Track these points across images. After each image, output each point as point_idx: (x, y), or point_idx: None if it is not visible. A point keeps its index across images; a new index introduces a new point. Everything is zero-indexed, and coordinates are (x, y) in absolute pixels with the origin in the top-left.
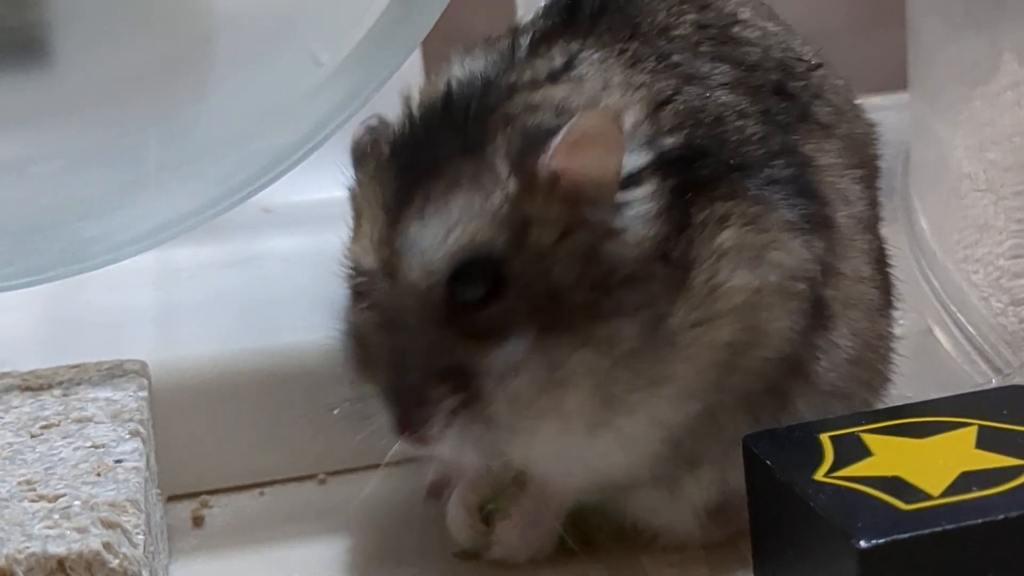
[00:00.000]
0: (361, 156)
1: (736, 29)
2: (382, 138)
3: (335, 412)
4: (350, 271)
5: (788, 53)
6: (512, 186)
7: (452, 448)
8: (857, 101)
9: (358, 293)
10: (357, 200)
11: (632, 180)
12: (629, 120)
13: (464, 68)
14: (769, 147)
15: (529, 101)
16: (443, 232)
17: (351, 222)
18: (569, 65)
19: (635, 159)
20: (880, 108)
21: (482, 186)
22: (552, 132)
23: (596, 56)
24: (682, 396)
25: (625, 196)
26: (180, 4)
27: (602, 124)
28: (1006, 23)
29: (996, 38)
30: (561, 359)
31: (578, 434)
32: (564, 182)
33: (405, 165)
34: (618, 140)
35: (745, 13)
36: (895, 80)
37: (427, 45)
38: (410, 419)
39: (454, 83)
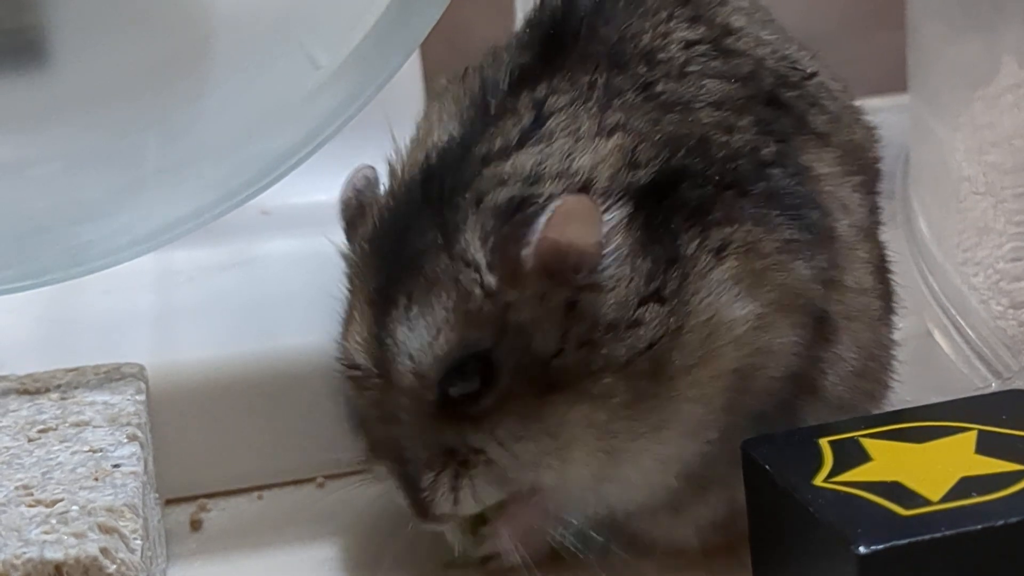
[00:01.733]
0: (350, 225)
1: (728, 41)
2: (368, 210)
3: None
4: (343, 364)
5: (783, 62)
6: (493, 279)
7: (468, 510)
8: (856, 104)
9: (353, 381)
10: (349, 279)
11: (609, 234)
12: (604, 175)
13: (442, 132)
14: (762, 157)
15: (499, 174)
16: (430, 336)
17: (344, 303)
18: (537, 120)
19: (613, 215)
20: (879, 110)
21: (460, 283)
22: (523, 205)
23: (563, 100)
24: (691, 433)
25: (604, 250)
26: (178, 6)
27: (581, 206)
28: (1005, 25)
29: (995, 40)
30: (558, 421)
31: (586, 482)
32: (547, 264)
33: (387, 254)
34: (596, 216)
35: (739, 21)
36: (894, 82)
37: (426, 47)
38: (416, 506)
39: (434, 156)
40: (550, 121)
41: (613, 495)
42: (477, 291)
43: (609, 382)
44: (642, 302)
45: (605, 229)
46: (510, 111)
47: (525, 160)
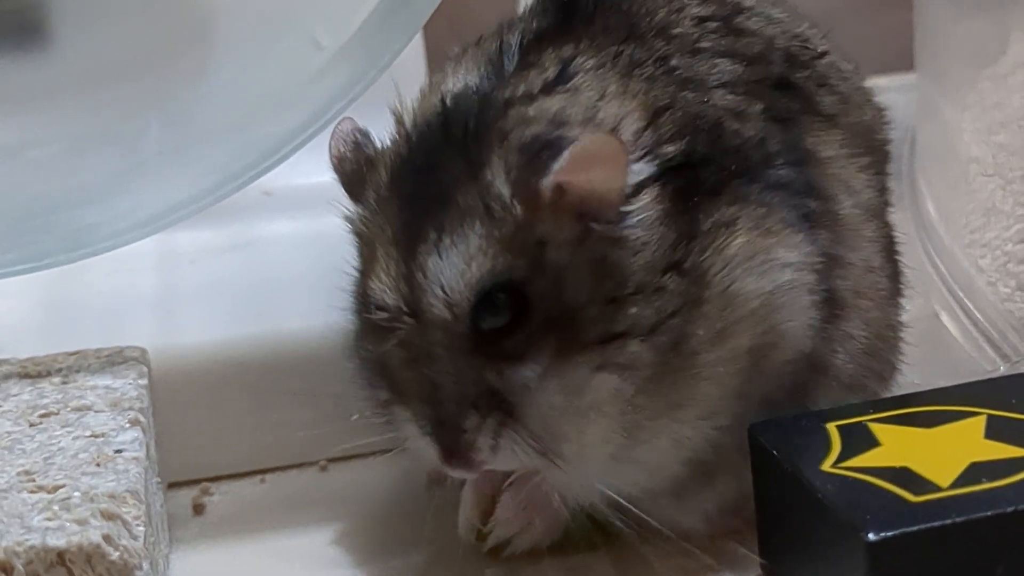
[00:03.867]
0: (353, 181)
1: (740, 19)
2: (375, 160)
3: (353, 418)
4: (365, 306)
5: (793, 42)
6: (518, 209)
7: (503, 463)
8: (866, 84)
9: (377, 327)
10: (362, 232)
11: (635, 189)
12: (629, 129)
13: (457, 81)
14: (769, 148)
15: (524, 114)
16: (462, 264)
17: (358, 254)
18: (562, 75)
19: (638, 170)
20: (886, 90)
21: (491, 212)
22: (549, 145)
23: (591, 63)
24: (705, 416)
25: (629, 206)
26: None
27: (608, 145)
28: (1013, 3)
29: (1004, 18)
30: (585, 382)
31: (602, 460)
32: (569, 198)
33: (410, 194)
34: (624, 159)
35: (749, 0)
36: (901, 61)
37: (429, 28)
38: (455, 449)
39: (449, 100)
40: (576, 78)
41: (623, 477)
42: (508, 219)
43: (635, 350)
44: (667, 270)
45: (631, 181)
46: (534, 64)
47: (551, 105)
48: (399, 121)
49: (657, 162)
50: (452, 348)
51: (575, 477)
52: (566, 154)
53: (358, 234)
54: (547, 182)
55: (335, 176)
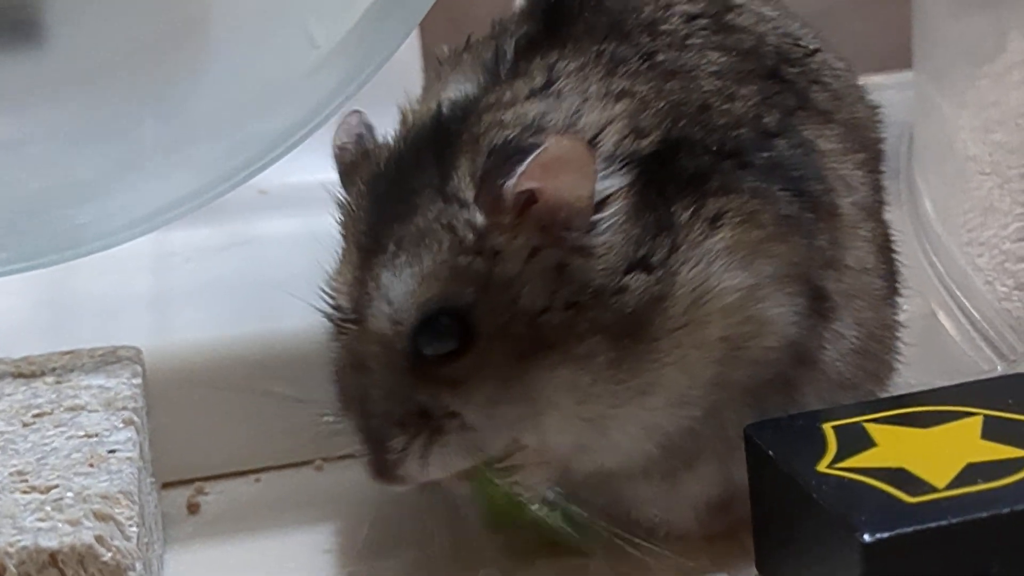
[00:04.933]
0: (348, 171)
1: (730, 17)
2: (370, 155)
3: (324, 420)
4: (328, 305)
5: (785, 39)
6: (478, 216)
7: (437, 475)
8: (859, 83)
9: (335, 328)
10: (341, 223)
11: (607, 200)
12: (610, 139)
13: (456, 88)
14: (765, 126)
15: (499, 120)
16: (413, 284)
17: (338, 247)
18: (548, 82)
19: (612, 182)
20: (883, 87)
21: (452, 230)
22: (519, 151)
23: (573, 65)
24: (676, 403)
25: (600, 214)
26: None
27: (574, 149)
28: (1012, 1)
29: (1002, 16)
30: (539, 384)
31: (566, 449)
32: (534, 207)
33: (382, 197)
34: (591, 164)
35: None
36: (899, 59)
37: (425, 25)
38: (382, 467)
39: (445, 106)
40: (559, 82)
41: (593, 462)
42: (468, 237)
43: (593, 342)
44: (629, 269)
45: (604, 194)
46: (523, 74)
47: (528, 110)
48: (403, 120)
49: (634, 168)
50: (388, 364)
51: (541, 471)
52: (531, 158)
53: (341, 224)
54: (511, 185)
55: (334, 165)
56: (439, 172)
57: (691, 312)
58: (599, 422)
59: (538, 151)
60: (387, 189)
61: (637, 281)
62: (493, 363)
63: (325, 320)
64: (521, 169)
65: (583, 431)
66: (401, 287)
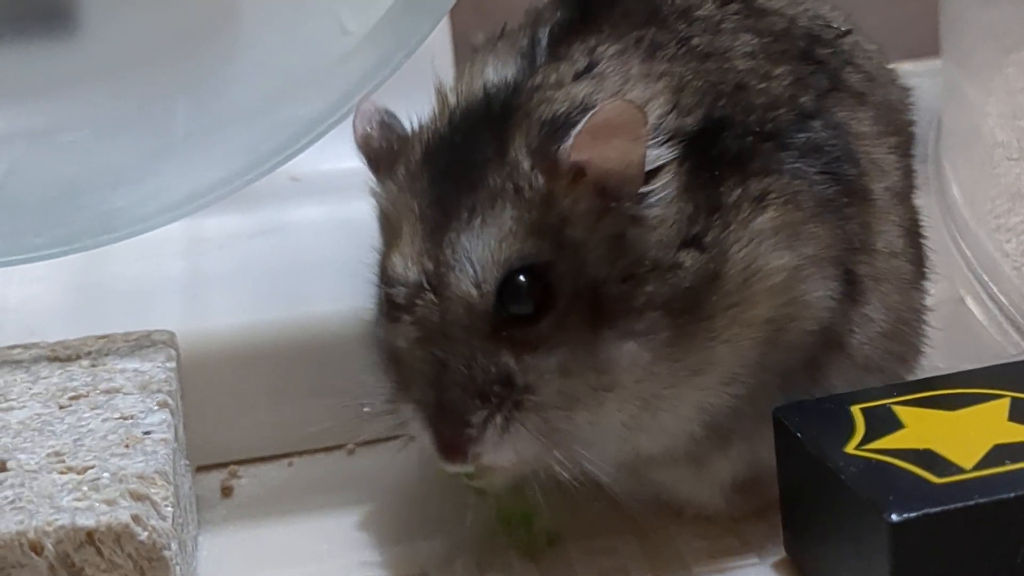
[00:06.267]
0: (380, 159)
1: (761, 1)
2: (409, 139)
3: (365, 410)
4: (385, 281)
5: (816, 21)
6: (540, 181)
7: (501, 460)
8: (890, 67)
9: (394, 305)
10: (387, 208)
11: (657, 171)
12: (655, 113)
13: (497, 72)
14: (801, 107)
15: (549, 98)
16: (494, 243)
17: (381, 230)
18: (591, 65)
19: (661, 152)
20: (912, 75)
21: (520, 191)
22: (572, 122)
23: (614, 50)
24: (725, 382)
25: (649, 186)
26: None
27: (625, 113)
28: None
29: None
30: (607, 358)
31: (616, 429)
32: (588, 171)
33: (442, 172)
34: (641, 129)
35: None
36: (927, 46)
37: (455, 12)
38: (456, 441)
39: (490, 88)
40: (601, 64)
41: (638, 442)
42: (536, 199)
43: (652, 317)
44: (683, 246)
45: (652, 165)
46: (564, 57)
47: (576, 90)
48: (443, 100)
49: (679, 142)
50: (472, 328)
51: (585, 453)
52: (584, 121)
53: (383, 211)
54: (565, 148)
55: (360, 155)
56: (496, 146)
57: (742, 291)
58: (652, 403)
59: (590, 114)
60: (446, 166)
61: (691, 258)
62: (569, 328)
63: (382, 302)
64: (575, 131)
65: (637, 411)
66: (482, 247)
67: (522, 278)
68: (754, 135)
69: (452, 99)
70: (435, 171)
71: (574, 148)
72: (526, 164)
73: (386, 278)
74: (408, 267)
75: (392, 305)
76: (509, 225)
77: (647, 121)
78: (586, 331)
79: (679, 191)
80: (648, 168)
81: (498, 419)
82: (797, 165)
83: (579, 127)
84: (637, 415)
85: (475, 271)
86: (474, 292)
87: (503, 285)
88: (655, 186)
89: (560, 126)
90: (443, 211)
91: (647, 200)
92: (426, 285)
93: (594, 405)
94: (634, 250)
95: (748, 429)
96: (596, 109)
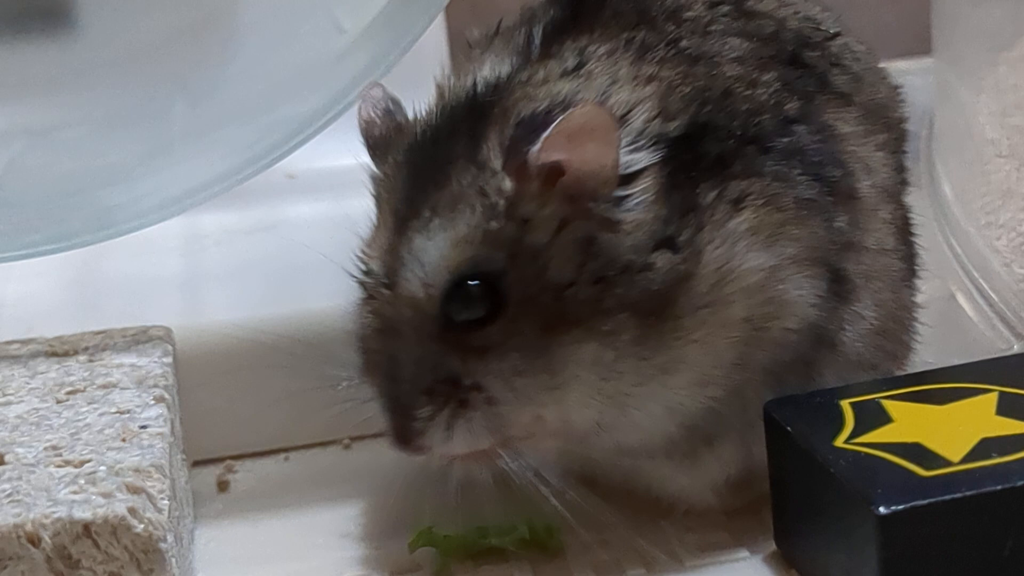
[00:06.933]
0: (379, 144)
1: (751, 2)
2: (405, 127)
3: (340, 387)
4: (361, 270)
5: (805, 23)
6: (506, 183)
7: (458, 449)
8: (880, 65)
9: (363, 294)
10: (378, 195)
11: (637, 175)
12: (640, 117)
13: (492, 69)
14: (786, 113)
15: (529, 95)
16: (445, 247)
17: (373, 215)
18: (579, 65)
19: (643, 157)
20: (903, 73)
21: (484, 194)
22: (543, 122)
23: (604, 50)
24: (697, 382)
25: (628, 190)
26: None
27: (596, 117)
28: None
29: (1020, 3)
30: (563, 358)
31: (587, 425)
32: (562, 179)
33: (418, 166)
34: (612, 132)
35: None
36: (918, 45)
37: (450, 10)
38: (406, 434)
39: (480, 84)
40: (590, 64)
41: (612, 440)
42: (500, 203)
43: (619, 319)
44: (656, 247)
45: (632, 169)
46: (554, 55)
47: (560, 88)
48: (439, 94)
49: (662, 148)
50: (418, 329)
51: (546, 452)
52: (554, 125)
53: (375, 196)
54: (535, 151)
55: (362, 139)
56: (470, 142)
57: (715, 292)
58: (620, 399)
59: (561, 118)
60: (423, 159)
61: (664, 259)
62: (520, 333)
63: (354, 290)
64: (545, 135)
65: (604, 408)
66: (434, 251)
67: (472, 283)
68: (737, 139)
69: (445, 93)
70: (412, 165)
71: (543, 150)
72: (496, 163)
73: (360, 266)
74: (373, 259)
75: (362, 291)
76: (465, 231)
77: (618, 125)
78: (541, 335)
79: (656, 194)
80: (628, 171)
81: (445, 414)
82: (779, 167)
83: (549, 130)
84: (606, 412)
85: (424, 273)
86: (421, 294)
87: (451, 290)
88: (634, 190)
89: (537, 125)
90: (410, 207)
91: (624, 204)
92: (384, 279)
93: (550, 402)
94: (605, 253)
95: (739, 429)
96: (567, 113)
